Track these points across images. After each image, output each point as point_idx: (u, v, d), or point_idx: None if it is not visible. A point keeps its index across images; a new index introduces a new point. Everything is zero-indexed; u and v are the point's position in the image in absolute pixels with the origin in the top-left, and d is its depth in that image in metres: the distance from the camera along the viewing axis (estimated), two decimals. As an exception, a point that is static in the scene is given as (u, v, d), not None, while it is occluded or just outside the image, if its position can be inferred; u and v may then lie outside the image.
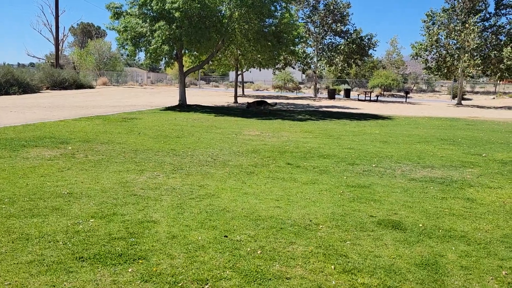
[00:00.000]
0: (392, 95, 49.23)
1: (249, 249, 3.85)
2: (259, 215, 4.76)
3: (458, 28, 29.62)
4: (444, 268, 3.57)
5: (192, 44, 19.18)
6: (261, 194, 5.65)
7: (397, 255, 3.79)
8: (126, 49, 19.99)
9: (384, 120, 17.65)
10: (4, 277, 3.22)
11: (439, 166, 7.92)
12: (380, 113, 21.71)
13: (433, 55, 31.73)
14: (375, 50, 64.73)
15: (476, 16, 29.34)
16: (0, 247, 3.74)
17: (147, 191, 5.69)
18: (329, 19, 35.88)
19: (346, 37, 36.43)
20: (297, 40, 24.59)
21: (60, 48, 52.10)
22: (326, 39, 37.45)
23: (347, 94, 38.13)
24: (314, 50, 37.72)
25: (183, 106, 21.17)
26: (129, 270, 3.38)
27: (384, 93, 49.47)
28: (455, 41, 30.33)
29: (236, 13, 19.57)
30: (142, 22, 19.00)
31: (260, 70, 29.96)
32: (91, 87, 38.50)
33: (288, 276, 3.35)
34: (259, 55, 24.88)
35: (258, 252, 3.79)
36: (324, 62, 37.84)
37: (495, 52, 28.91)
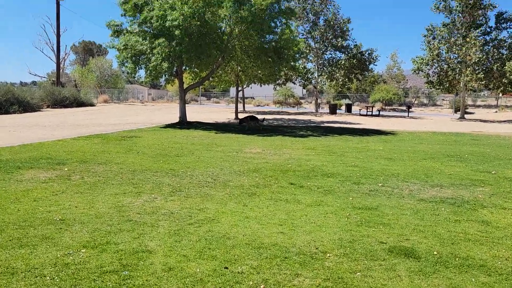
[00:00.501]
0: (394, 110, 49.10)
1: (251, 282, 3.55)
2: (262, 243, 4.46)
3: (459, 42, 29.56)
4: (464, 303, 3.27)
5: (192, 61, 19.08)
6: (263, 218, 5.36)
7: (412, 288, 3.49)
8: (126, 66, 19.88)
9: (387, 136, 17.39)
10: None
11: (448, 184, 7.63)
12: (383, 128, 21.46)
13: (435, 69, 31.63)
14: (376, 65, 64.80)
15: (477, 30, 29.33)
16: (-19, 284, 3.46)
17: (144, 216, 5.40)
18: (329, 34, 35.90)
19: (346, 52, 36.40)
20: (297, 55, 24.52)
21: (61, 66, 52.31)
22: (326, 54, 37.44)
23: (349, 109, 37.97)
24: (314, 65, 37.68)
25: (183, 123, 20.97)
26: (120, 310, 3.09)
27: (386, 107, 49.36)
28: (456, 55, 30.25)
29: (236, 30, 19.50)
30: (142, 39, 18.91)
31: (261, 86, 29.85)
32: (92, 104, 38.44)
33: (294, 315, 3.05)
34: (259, 71, 24.79)
35: (261, 286, 3.49)
36: (325, 77, 37.77)
37: (498, 65, 28.77)
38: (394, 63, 66.08)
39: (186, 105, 22.58)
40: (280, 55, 21.56)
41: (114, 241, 4.44)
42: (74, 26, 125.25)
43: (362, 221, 5.30)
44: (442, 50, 30.95)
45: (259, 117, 21.03)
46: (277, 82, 33.61)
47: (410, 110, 36.34)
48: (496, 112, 46.10)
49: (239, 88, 30.66)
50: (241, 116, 25.45)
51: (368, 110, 34.65)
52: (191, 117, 24.06)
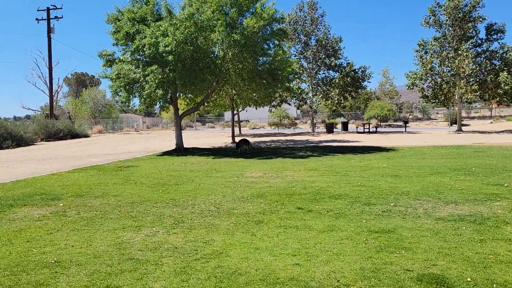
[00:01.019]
0: (389, 125, 49.06)
1: (271, 326, 3.16)
2: (277, 277, 4.08)
3: (451, 55, 29.67)
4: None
5: (186, 86, 18.89)
6: (275, 249, 4.98)
7: (452, 323, 3.11)
8: (120, 95, 19.66)
9: (389, 152, 17.10)
10: None
11: (463, 200, 7.28)
12: (382, 144, 21.21)
13: (429, 83, 31.66)
14: (370, 82, 65.15)
15: (468, 43, 29.49)
16: None
17: (146, 252, 5.01)
18: (321, 54, 36.03)
19: (340, 71, 36.46)
20: (291, 76, 24.43)
21: (55, 99, 52.14)
22: (320, 74, 37.51)
23: (345, 127, 37.83)
24: (308, 85, 37.69)
25: (180, 150, 20.63)
26: None
27: (381, 123, 49.32)
28: (449, 68, 30.33)
29: (230, 53, 19.38)
30: (135, 67, 18.74)
31: (256, 108, 29.69)
32: (86, 136, 38.06)
33: None
34: (254, 94, 24.63)
35: (284, 330, 3.10)
36: (320, 96, 37.73)
37: (491, 76, 28.81)
38: (386, 79, 66.55)
39: (181, 131, 22.29)
40: (275, 77, 21.44)
41: (115, 285, 4.05)
42: (66, 58, 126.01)
43: (381, 246, 4.93)
44: (435, 64, 31.05)
45: (252, 140, 20.71)
46: (272, 104, 33.50)
47: (407, 125, 36.16)
48: (492, 122, 46.17)
49: (235, 112, 30.49)
50: (237, 139, 25.21)
51: (365, 127, 34.47)
52: (187, 143, 23.74)
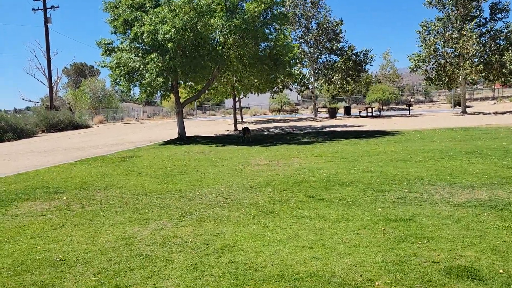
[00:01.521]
0: (391, 109, 48.70)
1: (295, 328, 2.94)
2: (296, 273, 3.86)
3: (454, 36, 29.19)
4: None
5: (187, 74, 18.54)
6: (289, 241, 4.75)
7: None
8: (120, 85, 19.32)
9: (395, 136, 16.83)
10: None
11: (480, 185, 7.04)
12: (387, 128, 20.93)
13: (432, 65, 31.21)
14: (372, 65, 64.55)
15: (472, 23, 28.98)
16: None
17: (155, 248, 4.79)
18: (322, 37, 35.51)
19: (341, 55, 35.97)
20: (293, 61, 24.03)
21: (54, 90, 51.76)
22: (321, 58, 37.02)
23: (347, 111, 37.48)
24: (310, 70, 37.24)
25: (182, 139, 20.39)
26: None
27: (383, 107, 48.91)
28: (453, 49, 29.86)
29: (230, 39, 18.98)
30: (135, 56, 18.39)
31: (258, 95, 29.33)
32: (87, 126, 37.82)
33: None
34: (256, 80, 24.27)
35: (309, 332, 2.88)
36: (322, 81, 37.31)
37: (496, 56, 28.36)
38: (388, 62, 65.87)
39: (183, 119, 22.01)
40: (276, 62, 21.06)
41: (124, 284, 3.83)
42: (64, 48, 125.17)
43: (401, 236, 4.69)
44: (438, 45, 30.57)
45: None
46: (274, 90, 33.13)
47: (410, 108, 35.78)
48: (495, 103, 45.76)
49: (236, 99, 30.15)
50: (240, 126, 24.95)
51: (368, 111, 34.11)
52: (189, 131, 23.49)
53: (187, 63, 17.62)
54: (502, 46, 28.90)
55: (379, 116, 33.15)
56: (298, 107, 58.11)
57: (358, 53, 36.40)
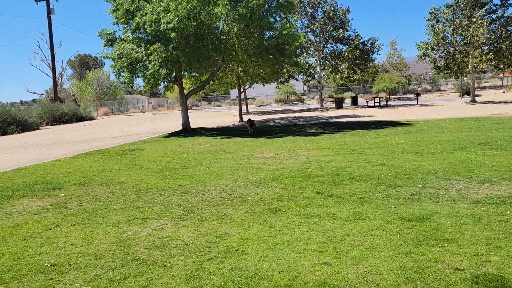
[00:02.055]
0: (398, 98, 48.00)
1: None
2: (305, 282, 3.51)
3: (464, 23, 28.49)
4: None
5: (191, 64, 18.14)
6: (298, 244, 4.40)
7: None
8: (123, 76, 18.96)
9: (404, 127, 16.38)
10: None
11: (498, 179, 6.65)
12: (396, 119, 20.46)
13: (441, 53, 30.55)
14: (379, 54, 63.64)
15: (482, 9, 28.24)
16: None
17: (153, 251, 4.46)
18: (329, 26, 34.88)
19: (348, 44, 35.34)
20: (299, 50, 23.52)
21: (59, 82, 51.56)
22: (327, 47, 36.41)
23: (354, 101, 36.91)
24: (316, 59, 36.66)
25: (187, 131, 20.06)
26: None
27: (390, 97, 48.24)
28: (463, 37, 29.17)
29: (235, 28, 18.55)
30: (137, 46, 18.02)
31: (263, 85, 28.88)
32: (92, 118, 37.60)
33: None
34: (261, 70, 23.82)
35: None
36: (329, 70, 36.73)
37: (507, 44, 27.66)
38: (394, 51, 64.96)
39: (188, 111, 21.67)
40: (282, 52, 20.59)
41: (117, 294, 3.51)
42: (69, 40, 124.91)
43: (418, 238, 4.33)
44: (447, 33, 29.88)
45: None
46: (279, 80, 32.65)
47: (418, 97, 35.14)
48: (504, 92, 44.98)
49: (241, 90, 29.73)
50: (245, 118, 24.57)
51: (376, 101, 33.56)
52: (194, 123, 23.15)
53: (191, 53, 17.22)
54: (513, 33, 28.20)
55: (386, 106, 32.60)
56: (304, 97, 57.55)
57: (365, 42, 35.75)
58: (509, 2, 28.67)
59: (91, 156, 12.79)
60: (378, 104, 33.16)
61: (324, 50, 36.28)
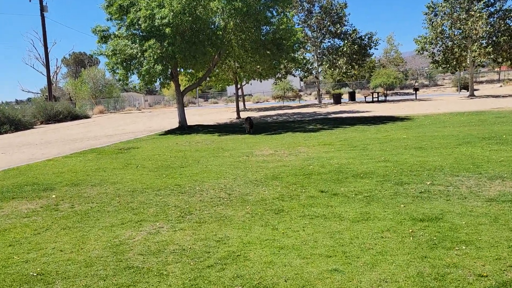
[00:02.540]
0: (396, 93, 47.74)
1: None
2: (314, 291, 3.21)
3: (462, 16, 28.20)
4: None
5: (187, 60, 17.77)
6: (304, 248, 4.10)
7: None
8: (117, 73, 18.59)
9: (404, 122, 16.10)
10: None
11: (509, 175, 6.36)
12: (395, 113, 20.18)
13: (439, 47, 30.27)
14: (377, 49, 63.18)
15: (480, 3, 27.96)
16: None
17: (148, 257, 4.15)
18: (326, 21, 34.54)
19: (345, 39, 35.00)
20: (296, 46, 23.18)
21: (54, 80, 51.06)
22: (325, 43, 36.07)
23: (352, 97, 36.60)
24: (313, 55, 36.32)
25: (183, 128, 19.72)
26: None
27: (387, 92, 47.97)
28: (461, 31, 28.89)
29: (231, 23, 18.19)
30: (131, 43, 17.64)
31: (261, 81, 28.52)
32: (87, 117, 37.17)
33: None
34: (258, 66, 23.47)
35: None
36: (327, 66, 36.40)
37: (505, 37, 27.40)
38: (391, 46, 64.66)
39: (184, 108, 21.32)
40: (279, 47, 20.27)
41: (108, 308, 3.19)
42: (63, 38, 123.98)
43: (433, 240, 4.03)
44: (446, 27, 29.60)
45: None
46: (277, 76, 32.30)
47: (416, 92, 34.87)
48: (501, 86, 44.75)
49: (238, 86, 29.38)
50: (242, 114, 24.26)
51: (374, 96, 33.26)
52: (191, 120, 22.82)
53: (187, 49, 16.87)
54: (511, 27, 27.92)
55: (385, 101, 32.34)
56: (301, 93, 57.23)
57: (363, 37, 35.42)
58: (507, -5, 28.39)
59: (85, 155, 12.45)
60: (376, 99, 32.89)
61: (322, 46, 35.95)
